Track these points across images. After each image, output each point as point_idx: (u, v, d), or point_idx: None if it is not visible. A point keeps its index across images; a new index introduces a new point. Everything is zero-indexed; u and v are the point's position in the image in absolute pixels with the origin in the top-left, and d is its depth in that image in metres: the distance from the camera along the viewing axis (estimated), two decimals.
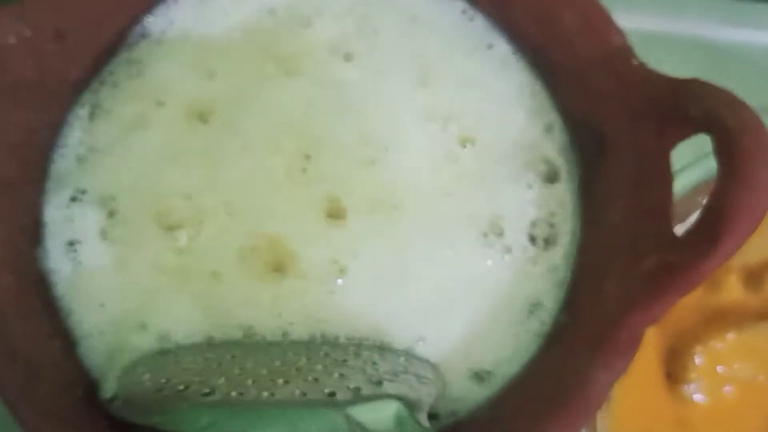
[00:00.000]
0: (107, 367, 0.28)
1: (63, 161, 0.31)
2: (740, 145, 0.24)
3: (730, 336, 0.34)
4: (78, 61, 0.30)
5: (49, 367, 0.26)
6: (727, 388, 0.35)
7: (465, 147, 0.31)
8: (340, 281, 0.29)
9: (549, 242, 0.30)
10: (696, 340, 0.35)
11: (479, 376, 0.28)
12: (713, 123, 0.25)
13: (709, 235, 0.24)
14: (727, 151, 0.24)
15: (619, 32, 0.29)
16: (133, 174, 0.30)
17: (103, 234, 0.29)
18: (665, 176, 0.27)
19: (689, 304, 0.35)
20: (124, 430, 0.26)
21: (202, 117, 0.31)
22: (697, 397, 0.34)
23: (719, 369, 0.34)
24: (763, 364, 0.35)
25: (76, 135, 0.31)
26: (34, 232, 0.29)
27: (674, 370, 0.35)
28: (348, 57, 0.32)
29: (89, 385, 0.27)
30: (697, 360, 0.34)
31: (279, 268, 0.29)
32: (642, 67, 0.29)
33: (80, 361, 0.28)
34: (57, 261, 0.29)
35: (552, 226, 0.30)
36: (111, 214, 0.30)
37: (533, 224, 0.30)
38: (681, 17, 0.44)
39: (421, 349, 0.28)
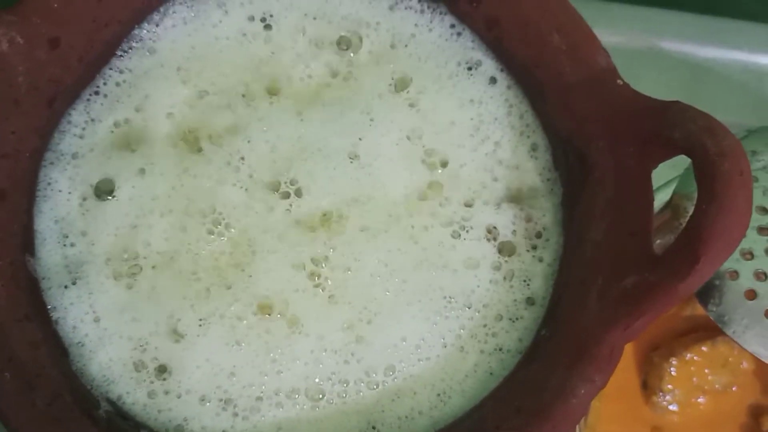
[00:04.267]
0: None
1: (54, 169, 0.31)
2: (720, 170, 0.25)
3: (705, 348, 0.35)
4: (70, 69, 0.31)
5: (41, 375, 0.26)
6: (701, 398, 0.36)
7: (442, 168, 0.31)
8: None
9: (530, 260, 0.30)
10: (671, 351, 0.36)
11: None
12: (694, 147, 0.26)
13: (687, 257, 0.25)
14: (706, 175, 0.25)
15: (604, 54, 0.30)
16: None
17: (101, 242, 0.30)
18: (646, 196, 0.28)
19: (665, 317, 0.36)
20: None
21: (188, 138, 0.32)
22: (672, 407, 0.35)
23: (693, 380, 0.36)
24: (736, 376, 0.36)
25: (68, 142, 0.31)
26: (25, 238, 0.29)
27: (650, 381, 0.36)
28: (334, 74, 0.33)
29: (77, 392, 0.27)
30: (672, 371, 0.35)
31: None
32: (626, 87, 0.29)
33: (69, 368, 0.28)
34: (48, 269, 0.29)
35: (534, 244, 0.31)
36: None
37: (517, 240, 0.31)
38: (661, 34, 0.44)
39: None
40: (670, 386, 0.35)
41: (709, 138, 0.25)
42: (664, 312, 0.26)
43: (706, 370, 0.36)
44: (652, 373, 0.36)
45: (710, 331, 0.36)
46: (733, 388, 0.36)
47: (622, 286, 0.27)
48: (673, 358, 0.35)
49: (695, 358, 0.35)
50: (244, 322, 0.29)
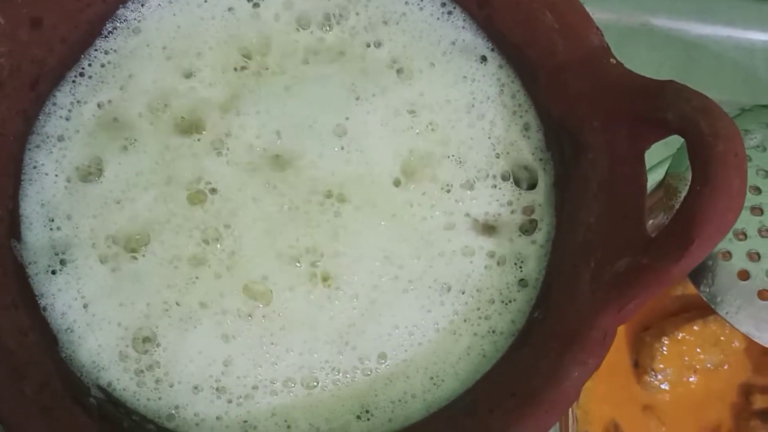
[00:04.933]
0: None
1: (40, 152, 0.30)
2: (713, 151, 0.24)
3: (696, 327, 0.36)
4: (54, 50, 0.30)
5: (30, 363, 0.26)
6: (692, 377, 0.36)
7: (439, 147, 0.31)
8: None
9: (523, 242, 0.30)
10: (663, 331, 0.36)
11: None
12: (688, 128, 0.25)
13: (681, 239, 0.25)
14: (700, 157, 0.25)
15: (597, 32, 0.29)
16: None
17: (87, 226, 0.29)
18: (639, 178, 0.28)
19: (656, 297, 0.36)
20: (103, 424, 0.26)
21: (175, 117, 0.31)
22: (663, 386, 0.36)
23: (685, 359, 0.36)
24: (727, 355, 0.36)
25: (53, 125, 0.31)
26: (10, 223, 0.29)
27: (641, 360, 0.36)
28: (323, 51, 0.32)
29: (67, 380, 0.27)
30: (664, 350, 0.35)
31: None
32: (619, 67, 0.29)
33: (58, 355, 0.28)
34: (35, 253, 0.29)
35: (527, 226, 0.30)
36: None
37: (511, 223, 0.30)
38: (653, 11, 0.44)
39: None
40: (661, 365, 0.35)
41: (703, 118, 0.25)
42: (657, 294, 0.26)
43: (698, 349, 0.36)
44: (643, 353, 0.36)
45: (702, 310, 0.36)
46: (725, 367, 0.36)
47: (615, 269, 0.27)
48: (665, 338, 0.35)
49: (687, 337, 0.35)
50: (236, 310, 0.29)
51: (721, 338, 0.36)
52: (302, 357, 0.28)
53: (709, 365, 0.36)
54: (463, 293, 0.29)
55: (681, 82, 0.27)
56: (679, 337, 0.35)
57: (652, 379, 0.36)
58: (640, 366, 0.36)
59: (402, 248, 0.30)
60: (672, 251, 0.25)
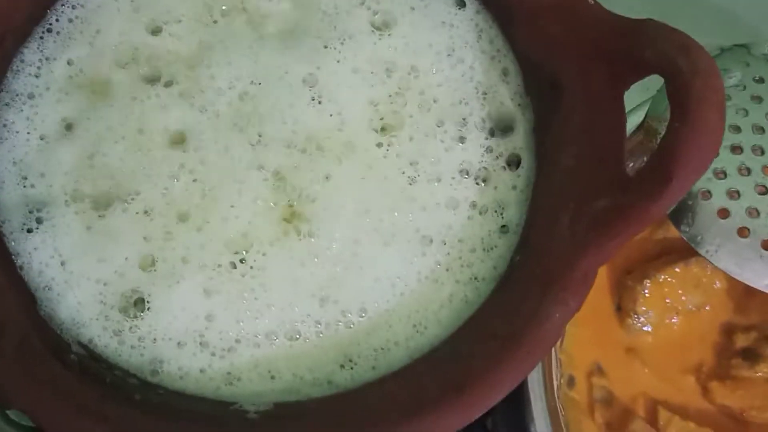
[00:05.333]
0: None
1: (10, 110, 0.30)
2: (693, 89, 0.24)
3: (678, 269, 0.36)
4: (19, 5, 0.29)
5: (8, 321, 0.26)
6: (674, 319, 0.36)
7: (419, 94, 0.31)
8: None
9: (504, 188, 0.30)
10: (645, 273, 0.36)
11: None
12: (667, 66, 0.25)
13: (659, 177, 0.24)
14: (679, 94, 0.24)
15: None
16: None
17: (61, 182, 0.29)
18: (618, 119, 0.28)
19: (638, 240, 0.36)
20: (84, 379, 0.26)
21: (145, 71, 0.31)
22: (646, 328, 0.36)
23: (667, 301, 0.36)
24: (709, 296, 0.36)
25: (22, 82, 0.30)
26: None
27: (624, 303, 0.36)
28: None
29: (46, 337, 0.27)
30: (646, 293, 0.36)
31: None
32: (597, 7, 0.29)
33: (37, 314, 0.28)
34: (8, 211, 0.29)
35: (508, 172, 0.30)
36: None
37: (491, 170, 0.30)
38: None
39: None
40: (643, 308, 0.35)
41: (682, 56, 0.25)
42: (637, 234, 0.26)
43: (680, 291, 0.36)
44: (625, 297, 0.36)
45: (683, 252, 0.36)
46: (706, 308, 0.36)
47: (594, 210, 0.27)
48: (647, 281, 0.35)
49: (668, 279, 0.35)
50: (216, 265, 0.28)
51: (703, 280, 0.36)
52: (283, 312, 0.28)
53: (690, 307, 0.36)
54: (444, 244, 0.29)
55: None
56: (660, 280, 0.35)
57: (634, 322, 0.36)
58: (622, 309, 0.36)
59: (382, 201, 0.29)
60: (651, 189, 0.25)
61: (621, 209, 0.25)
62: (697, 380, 0.36)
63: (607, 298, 0.36)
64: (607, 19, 0.28)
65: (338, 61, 0.31)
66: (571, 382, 0.35)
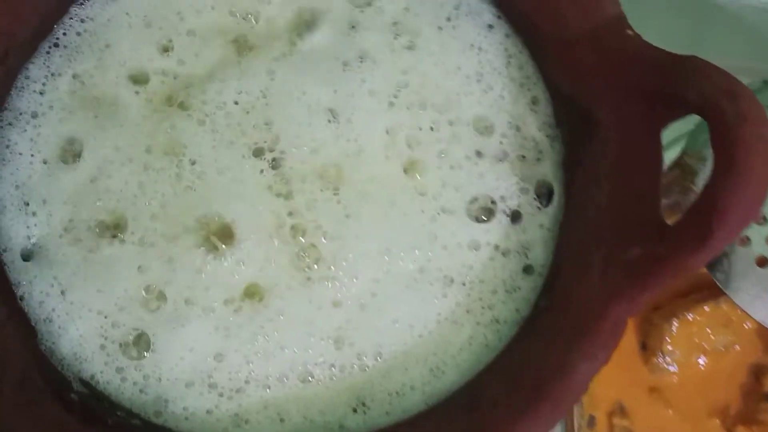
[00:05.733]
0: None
1: (13, 130, 0.28)
2: (739, 137, 0.22)
3: (707, 308, 0.34)
4: (24, 20, 0.28)
5: (8, 357, 0.25)
6: (701, 359, 0.35)
7: (448, 125, 0.29)
8: None
9: (529, 225, 0.29)
10: (673, 311, 0.34)
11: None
12: (710, 109, 0.24)
13: (700, 229, 0.23)
14: (723, 141, 0.23)
15: (613, 0, 0.27)
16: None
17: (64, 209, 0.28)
18: (654, 158, 0.26)
19: None
20: (86, 421, 0.25)
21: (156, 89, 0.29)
22: (671, 368, 0.34)
23: (695, 340, 0.34)
24: (738, 336, 0.35)
25: (26, 100, 0.29)
26: None
27: (650, 342, 0.35)
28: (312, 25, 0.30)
29: (47, 374, 0.26)
30: (673, 331, 0.34)
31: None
32: (635, 38, 0.27)
33: (38, 348, 0.26)
34: (9, 239, 0.27)
35: (534, 208, 0.29)
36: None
37: (513, 203, 0.29)
38: None
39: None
40: (670, 347, 0.34)
41: (727, 100, 0.23)
42: (672, 285, 0.25)
43: (708, 330, 0.34)
44: (652, 334, 0.34)
45: (713, 289, 0.34)
46: (735, 348, 0.35)
47: (627, 257, 0.25)
48: (675, 319, 0.34)
49: (697, 318, 0.34)
50: (227, 303, 0.27)
51: (733, 319, 0.34)
52: (297, 353, 0.27)
53: (719, 346, 0.35)
54: (464, 285, 0.28)
55: (699, 52, 0.25)
56: (689, 319, 0.34)
57: (660, 361, 0.34)
58: (648, 348, 0.35)
59: (403, 239, 0.28)
60: (690, 242, 0.23)
61: (657, 260, 0.24)
62: (723, 423, 0.34)
63: (632, 336, 0.35)
64: (647, 53, 0.26)
65: (359, 83, 0.29)
66: (591, 422, 0.33)
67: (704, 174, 0.30)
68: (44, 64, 0.29)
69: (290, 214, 0.28)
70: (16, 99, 0.28)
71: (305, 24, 0.30)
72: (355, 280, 0.27)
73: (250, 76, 0.29)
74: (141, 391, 0.27)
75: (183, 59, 0.29)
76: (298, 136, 0.28)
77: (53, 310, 0.27)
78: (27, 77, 0.29)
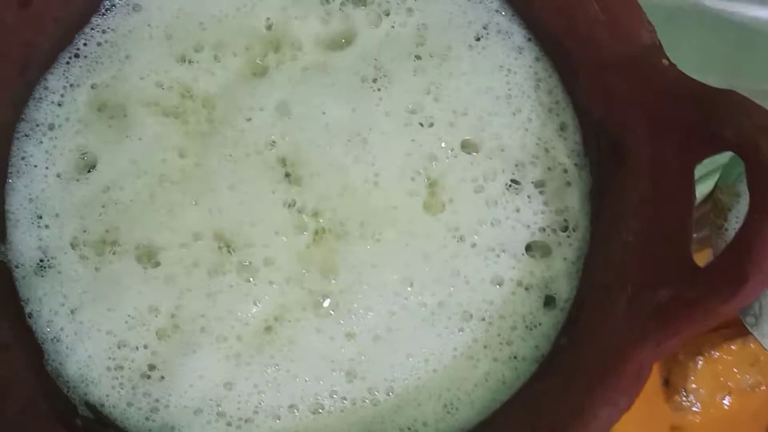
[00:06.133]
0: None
1: (29, 142, 0.28)
2: None
3: (734, 347, 0.33)
4: (45, 31, 0.27)
5: (13, 379, 0.24)
6: (726, 398, 0.33)
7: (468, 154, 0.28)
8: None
9: (552, 257, 0.28)
10: (698, 349, 0.33)
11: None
12: (747, 148, 0.22)
13: (732, 275, 0.22)
14: (760, 183, 0.22)
15: (648, 27, 0.26)
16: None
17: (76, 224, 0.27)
18: (686, 195, 0.25)
19: None
20: None
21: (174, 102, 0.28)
22: (695, 407, 0.33)
23: (720, 379, 0.33)
24: (765, 375, 0.33)
25: (44, 111, 0.28)
26: None
27: (673, 379, 0.33)
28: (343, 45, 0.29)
29: (53, 398, 0.25)
30: (698, 369, 0.33)
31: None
32: (671, 68, 0.26)
33: (44, 369, 0.26)
34: (21, 254, 0.27)
35: (558, 239, 0.28)
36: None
37: (538, 235, 0.28)
38: None
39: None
40: (694, 385, 0.33)
41: (764, 139, 0.22)
42: (701, 331, 0.23)
43: (735, 369, 0.33)
44: (676, 372, 0.33)
45: (740, 327, 0.33)
46: (762, 388, 0.34)
47: (656, 299, 0.24)
48: (700, 357, 0.33)
49: (724, 356, 0.33)
50: (238, 331, 0.26)
51: (761, 358, 0.33)
52: (308, 384, 0.26)
53: (745, 386, 0.33)
54: (483, 320, 0.27)
55: (734, 73, 0.24)
56: (715, 357, 0.33)
57: (683, 400, 0.33)
58: (671, 384, 0.34)
59: (424, 273, 0.27)
60: (723, 287, 0.22)
61: (686, 304, 0.23)
62: None
63: (655, 371, 0.34)
64: (684, 85, 0.25)
65: (378, 103, 0.28)
66: None
67: (737, 211, 0.29)
68: (63, 74, 0.29)
69: (307, 243, 0.27)
70: (34, 110, 0.28)
71: (337, 43, 0.29)
72: (370, 313, 0.26)
73: (270, 91, 0.28)
74: (147, 418, 0.26)
75: (202, 72, 0.29)
76: (317, 158, 0.28)
77: (62, 329, 0.26)
78: (45, 88, 0.28)
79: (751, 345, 0.33)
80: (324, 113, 0.28)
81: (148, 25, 0.29)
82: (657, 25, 0.26)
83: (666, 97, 0.25)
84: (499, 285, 0.27)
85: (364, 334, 0.26)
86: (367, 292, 0.27)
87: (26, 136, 0.28)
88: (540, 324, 0.27)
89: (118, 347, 0.26)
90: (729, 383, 0.33)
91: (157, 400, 0.26)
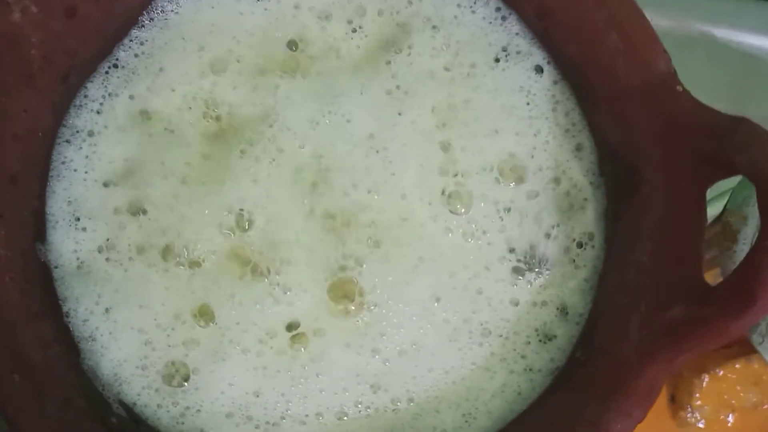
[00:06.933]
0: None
1: (70, 147, 0.29)
2: None
3: (738, 365, 0.34)
4: (87, 40, 0.29)
5: (52, 378, 0.25)
6: (730, 416, 0.34)
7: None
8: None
9: (568, 274, 0.29)
10: (703, 366, 0.34)
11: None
12: (759, 175, 0.24)
13: (742, 296, 0.23)
14: None
15: (665, 57, 0.27)
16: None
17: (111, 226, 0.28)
18: (698, 219, 0.26)
19: None
20: None
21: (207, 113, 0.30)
22: (699, 424, 0.34)
23: (724, 396, 0.34)
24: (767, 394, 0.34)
25: (84, 118, 0.29)
26: (36, 225, 0.28)
27: (678, 395, 0.34)
28: (373, 50, 0.30)
29: (90, 396, 0.26)
30: (704, 386, 0.34)
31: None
32: (685, 96, 0.27)
33: (80, 368, 0.27)
34: (60, 255, 0.28)
35: (574, 256, 0.29)
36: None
37: (554, 252, 0.29)
38: (715, 21, 0.42)
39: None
40: (699, 402, 0.34)
41: None
42: (711, 348, 0.25)
43: (738, 387, 0.34)
44: (681, 388, 0.34)
45: (744, 346, 0.34)
46: (764, 407, 0.35)
47: (668, 317, 0.25)
48: (705, 375, 0.34)
49: (728, 375, 0.34)
50: (268, 344, 0.28)
51: (764, 377, 0.34)
52: (335, 396, 0.27)
53: (747, 404, 0.34)
54: (501, 336, 0.28)
55: (745, 102, 0.25)
56: (719, 375, 0.34)
57: (688, 416, 0.34)
58: (676, 400, 0.34)
59: (449, 292, 0.28)
60: (732, 306, 0.23)
61: (697, 323, 0.24)
62: None
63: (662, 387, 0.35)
64: (696, 112, 0.26)
65: (399, 114, 0.29)
66: None
67: (745, 233, 0.30)
68: (102, 84, 0.30)
69: (340, 264, 0.28)
70: (75, 117, 0.29)
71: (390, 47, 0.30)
72: (400, 329, 0.28)
73: (301, 101, 0.29)
74: (178, 419, 0.27)
75: (233, 87, 0.30)
76: (348, 173, 0.29)
77: (96, 328, 0.27)
78: (86, 96, 0.29)
79: (755, 365, 0.34)
80: (349, 121, 0.29)
81: (183, 39, 0.30)
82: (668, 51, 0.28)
83: (681, 124, 0.26)
84: (516, 305, 0.28)
85: (390, 348, 0.28)
86: (399, 309, 0.28)
87: (67, 141, 0.29)
88: (555, 337, 0.28)
89: (150, 349, 0.27)
90: (732, 401, 0.34)
91: (187, 403, 0.27)
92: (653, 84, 0.27)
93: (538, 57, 0.30)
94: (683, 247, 0.26)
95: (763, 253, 0.23)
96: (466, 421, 0.27)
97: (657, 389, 0.25)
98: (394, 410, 0.27)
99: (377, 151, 0.29)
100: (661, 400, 0.35)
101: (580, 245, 0.29)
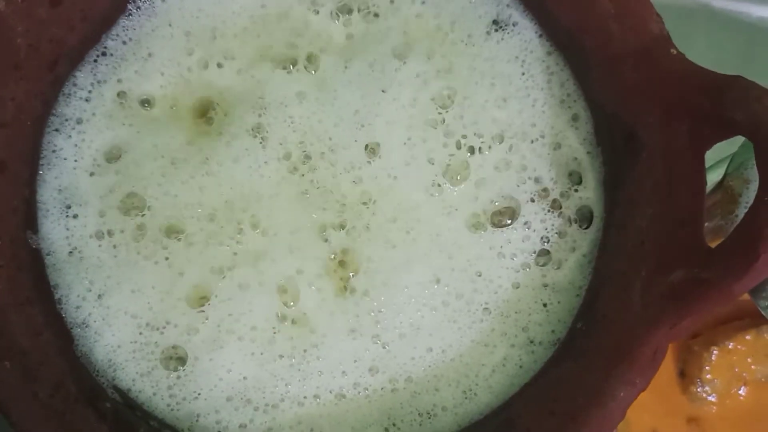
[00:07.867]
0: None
1: (59, 135, 0.29)
2: None
3: (748, 337, 0.33)
4: (74, 28, 0.28)
5: (44, 363, 0.25)
6: (742, 389, 0.34)
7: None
8: None
9: (567, 244, 0.28)
10: (712, 339, 0.33)
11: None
12: (758, 130, 0.23)
13: (745, 253, 0.22)
14: None
15: (657, 19, 0.27)
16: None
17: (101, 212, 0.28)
18: (698, 181, 0.25)
19: None
20: (117, 430, 0.25)
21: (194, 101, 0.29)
22: (710, 398, 0.33)
23: (735, 369, 0.33)
24: None
25: (73, 107, 0.29)
26: (26, 213, 0.27)
27: (688, 370, 0.34)
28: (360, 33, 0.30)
29: (82, 382, 0.26)
30: (713, 360, 0.33)
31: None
32: (680, 58, 0.26)
33: (73, 354, 0.27)
34: (51, 243, 0.28)
35: (573, 228, 0.28)
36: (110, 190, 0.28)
37: (554, 223, 0.28)
38: None
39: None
40: (709, 376, 0.33)
41: None
42: (714, 311, 0.24)
43: (749, 359, 0.33)
44: (690, 362, 0.33)
45: (755, 318, 0.33)
46: None
47: (669, 281, 0.24)
48: (714, 348, 0.33)
49: (738, 347, 0.33)
50: (266, 331, 0.27)
51: None
52: (333, 379, 0.27)
53: (760, 377, 0.34)
54: (501, 314, 0.27)
55: (744, 73, 0.25)
56: (729, 347, 0.33)
57: (699, 390, 0.33)
58: (686, 376, 0.34)
59: (448, 273, 0.28)
60: (734, 266, 0.23)
61: (700, 284, 0.23)
62: None
63: (670, 362, 0.34)
64: (692, 72, 0.26)
65: (394, 99, 0.29)
66: None
67: (747, 196, 0.29)
68: (91, 71, 0.29)
69: (339, 249, 0.28)
70: (63, 105, 0.29)
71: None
72: (400, 314, 0.27)
73: (289, 84, 0.29)
74: (174, 401, 0.27)
75: (221, 73, 0.30)
76: (341, 157, 0.29)
77: (90, 314, 0.27)
78: (74, 84, 0.29)
79: (766, 336, 0.33)
80: (336, 99, 0.29)
81: (169, 25, 0.30)
82: (667, 25, 0.27)
83: (676, 86, 0.26)
84: (517, 287, 0.28)
85: (390, 332, 0.27)
86: (398, 292, 0.28)
87: (56, 130, 0.29)
88: (556, 309, 0.28)
89: (145, 334, 0.27)
90: (744, 374, 0.34)
91: (184, 385, 0.27)
92: (647, 47, 0.27)
93: (530, 29, 0.30)
94: (683, 210, 0.25)
95: (763, 209, 0.22)
96: (467, 398, 0.27)
97: (661, 355, 0.24)
98: (392, 390, 0.27)
99: (362, 126, 0.29)
100: (671, 376, 0.34)
101: (579, 216, 0.28)
